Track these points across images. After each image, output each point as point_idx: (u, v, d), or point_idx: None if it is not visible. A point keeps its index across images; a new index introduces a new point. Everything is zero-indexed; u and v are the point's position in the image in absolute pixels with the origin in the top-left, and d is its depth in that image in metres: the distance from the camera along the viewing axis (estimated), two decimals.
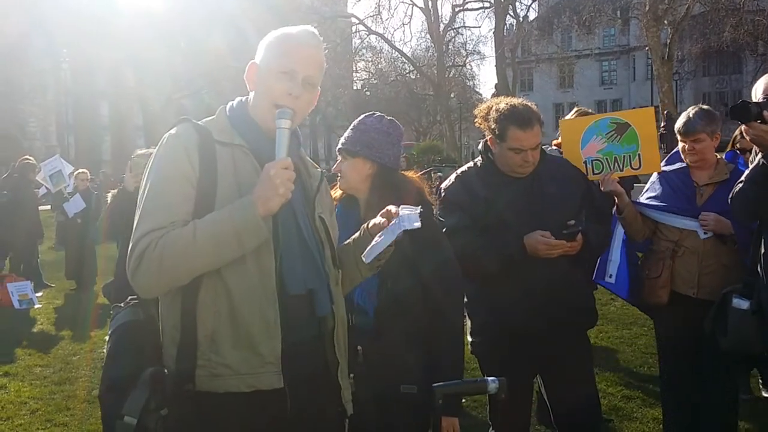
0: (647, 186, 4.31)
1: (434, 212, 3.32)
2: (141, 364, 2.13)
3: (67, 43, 33.75)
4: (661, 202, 4.14)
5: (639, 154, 4.12)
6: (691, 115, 4.12)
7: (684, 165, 4.18)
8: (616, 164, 4.13)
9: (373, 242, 2.29)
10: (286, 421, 2.15)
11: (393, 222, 2.27)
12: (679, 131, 4.14)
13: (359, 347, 2.87)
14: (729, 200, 3.51)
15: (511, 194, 3.50)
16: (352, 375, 2.51)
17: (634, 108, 47.78)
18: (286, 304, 2.16)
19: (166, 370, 2.13)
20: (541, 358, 3.58)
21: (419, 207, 2.32)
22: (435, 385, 2.40)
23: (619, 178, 4.11)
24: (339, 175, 3.12)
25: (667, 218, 4.12)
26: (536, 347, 3.50)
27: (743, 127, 3.28)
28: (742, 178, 3.42)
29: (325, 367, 2.31)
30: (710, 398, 4.13)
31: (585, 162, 4.09)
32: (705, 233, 4.01)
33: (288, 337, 2.15)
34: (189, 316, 2.12)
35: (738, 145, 5.03)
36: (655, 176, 4.28)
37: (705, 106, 4.26)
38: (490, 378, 2.37)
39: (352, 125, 3.14)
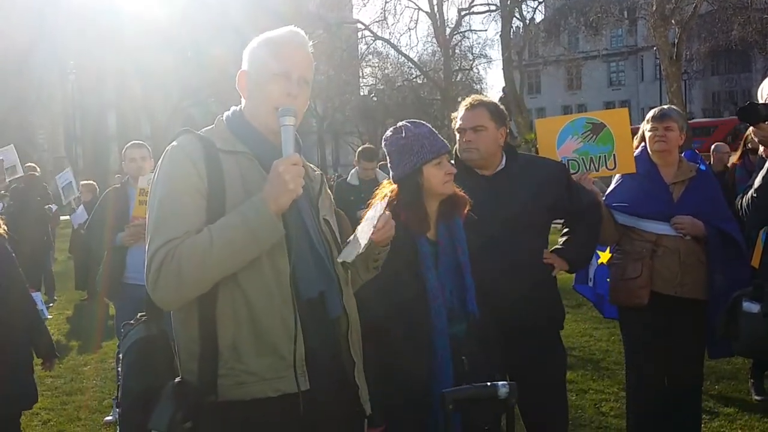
0: (612, 187, 4.28)
1: None
2: (161, 379, 2.12)
3: (74, 55, 33.92)
4: (633, 205, 4.11)
5: (614, 155, 4.14)
6: (666, 107, 4.25)
7: (649, 165, 4.17)
8: (591, 164, 4.16)
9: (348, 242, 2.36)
10: (312, 422, 2.15)
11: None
12: (654, 117, 4.17)
13: None
14: (739, 208, 3.50)
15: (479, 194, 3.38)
16: None
17: (642, 109, 47.50)
18: (302, 307, 2.16)
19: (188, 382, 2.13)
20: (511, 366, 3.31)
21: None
22: (445, 390, 2.39)
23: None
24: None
25: (643, 224, 4.09)
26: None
27: (752, 128, 3.27)
28: (752, 182, 3.41)
29: (342, 368, 2.31)
30: (680, 397, 4.19)
31: (561, 161, 4.09)
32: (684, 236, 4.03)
33: (307, 340, 2.15)
34: (208, 326, 2.11)
35: (750, 145, 5.01)
36: (619, 177, 4.26)
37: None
38: (500, 383, 2.36)
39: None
